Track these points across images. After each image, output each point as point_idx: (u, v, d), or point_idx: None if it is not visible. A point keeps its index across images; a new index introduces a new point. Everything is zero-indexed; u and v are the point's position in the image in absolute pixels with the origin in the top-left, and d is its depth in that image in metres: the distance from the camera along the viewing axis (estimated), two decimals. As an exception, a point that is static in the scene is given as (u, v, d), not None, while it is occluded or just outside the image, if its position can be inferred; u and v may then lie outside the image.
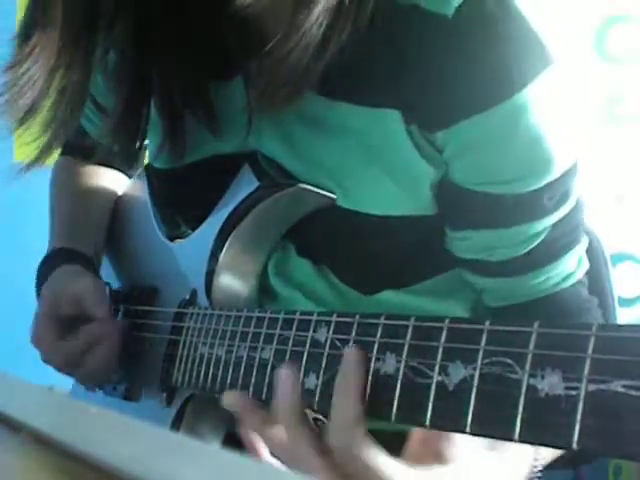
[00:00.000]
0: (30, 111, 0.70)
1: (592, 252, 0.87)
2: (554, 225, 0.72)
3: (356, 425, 0.52)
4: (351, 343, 0.56)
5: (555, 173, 0.69)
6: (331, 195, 0.73)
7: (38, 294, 0.89)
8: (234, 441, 0.80)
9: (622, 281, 2.07)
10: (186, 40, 0.75)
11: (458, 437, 0.56)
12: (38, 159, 0.75)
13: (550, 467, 0.68)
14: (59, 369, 0.85)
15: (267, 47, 0.65)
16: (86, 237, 0.96)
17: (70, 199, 1.01)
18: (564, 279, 0.75)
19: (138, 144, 0.82)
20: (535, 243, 0.72)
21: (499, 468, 0.60)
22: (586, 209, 0.76)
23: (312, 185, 0.74)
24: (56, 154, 1.06)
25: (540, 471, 0.67)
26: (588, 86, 2.16)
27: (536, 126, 0.67)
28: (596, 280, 0.99)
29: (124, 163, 1.02)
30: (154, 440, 0.32)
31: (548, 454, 0.67)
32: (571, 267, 0.76)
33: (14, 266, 1.82)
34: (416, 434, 0.58)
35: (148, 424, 0.33)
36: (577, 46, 2.18)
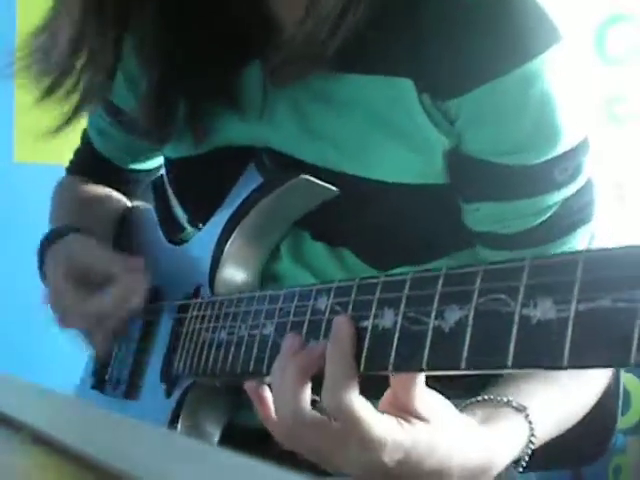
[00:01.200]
0: (56, 79, 0.72)
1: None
2: (566, 200, 0.73)
3: (348, 385, 0.54)
4: (350, 304, 0.57)
5: (565, 145, 0.71)
6: (333, 188, 0.74)
7: (41, 269, 0.88)
8: (234, 431, 0.80)
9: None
10: (206, 24, 0.76)
11: (427, 394, 0.57)
12: (60, 128, 0.76)
13: (550, 467, 0.68)
14: (83, 330, 0.84)
15: (285, 27, 0.66)
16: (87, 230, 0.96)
17: (71, 209, 1.01)
18: None
19: (168, 134, 0.83)
20: (546, 216, 0.73)
21: (490, 439, 0.61)
22: (598, 189, 0.76)
23: (322, 163, 0.75)
24: (63, 153, 1.06)
25: (541, 468, 0.68)
26: (588, 86, 2.16)
27: (547, 95, 0.69)
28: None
29: (153, 144, 1.02)
30: (154, 440, 0.32)
31: (544, 433, 0.67)
32: (582, 244, 0.76)
33: (14, 266, 1.83)
34: (387, 395, 0.58)
35: (148, 424, 0.33)
36: (577, 46, 2.18)
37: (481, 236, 0.77)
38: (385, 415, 0.56)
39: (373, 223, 0.77)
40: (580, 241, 0.76)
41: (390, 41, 0.71)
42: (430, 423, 0.57)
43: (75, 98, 0.74)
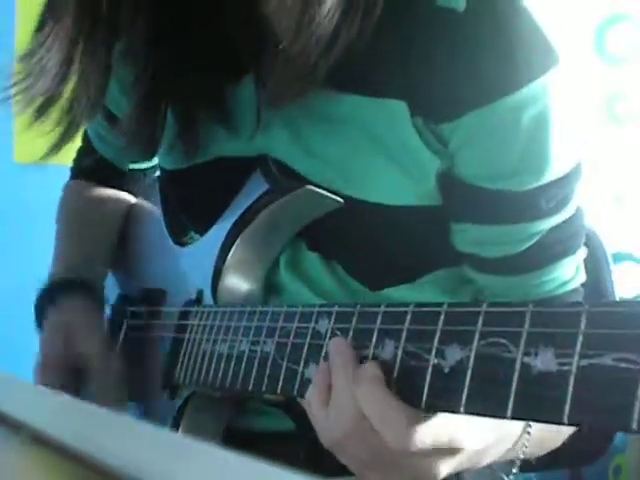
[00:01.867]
0: (47, 101, 0.71)
1: (593, 252, 0.87)
2: (551, 229, 0.72)
3: (408, 423, 0.53)
4: (351, 332, 0.57)
5: (554, 173, 0.70)
6: (338, 199, 0.73)
7: (39, 325, 0.90)
8: (233, 437, 0.80)
9: (622, 281, 2.07)
10: (198, 39, 0.76)
11: None
12: (56, 148, 0.75)
13: (550, 467, 0.68)
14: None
15: (278, 44, 0.65)
16: (88, 253, 0.97)
17: (77, 218, 1.02)
18: (560, 285, 0.76)
19: (156, 144, 0.82)
20: (531, 243, 0.72)
21: (481, 434, 0.60)
22: (586, 218, 0.75)
23: (319, 181, 0.74)
24: (63, 153, 1.06)
25: (539, 467, 0.68)
26: (588, 85, 2.16)
27: (540, 121, 0.67)
28: (597, 280, 0.99)
29: (140, 161, 1.02)
30: (154, 440, 0.32)
31: (538, 436, 0.67)
32: (568, 274, 0.76)
33: (14, 267, 1.83)
34: None
35: (148, 424, 0.33)
36: (577, 46, 2.18)
37: (465, 257, 0.77)
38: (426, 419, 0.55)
39: (364, 242, 0.77)
40: (567, 271, 0.75)
41: (384, 63, 0.70)
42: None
43: (70, 116, 0.73)
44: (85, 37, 0.69)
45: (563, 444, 0.74)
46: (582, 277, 0.78)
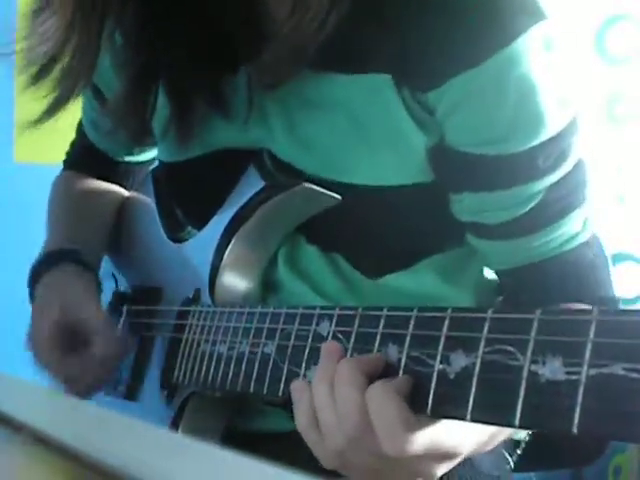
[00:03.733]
0: (49, 62, 0.72)
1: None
2: (552, 186, 0.71)
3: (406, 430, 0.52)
4: (353, 335, 0.56)
5: (549, 132, 0.69)
6: (335, 195, 0.73)
7: (31, 296, 0.88)
8: (233, 437, 0.80)
9: (622, 281, 2.07)
10: (191, 26, 0.76)
11: None
12: (44, 116, 0.76)
13: (550, 467, 0.68)
14: (60, 383, 0.84)
15: (272, 23, 0.65)
16: (80, 235, 0.95)
17: (69, 204, 1.01)
18: (567, 240, 0.74)
19: (145, 127, 0.82)
20: (532, 204, 0.71)
21: (478, 437, 0.60)
22: (589, 169, 0.74)
23: (312, 170, 0.74)
24: (56, 149, 1.06)
25: (541, 466, 0.68)
26: (588, 86, 2.16)
27: (527, 80, 0.67)
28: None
29: (130, 146, 1.00)
30: (154, 440, 0.32)
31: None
32: (575, 228, 0.74)
33: (14, 267, 1.82)
34: None
35: (148, 424, 0.33)
36: (577, 46, 2.18)
37: (467, 225, 0.76)
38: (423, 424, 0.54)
39: (362, 228, 0.76)
40: (573, 226, 0.74)
41: (367, 38, 0.70)
42: None
43: (64, 83, 0.74)
44: (88, 6, 0.70)
45: (563, 444, 0.73)
46: (591, 228, 0.76)
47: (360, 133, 0.73)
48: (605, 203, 2.14)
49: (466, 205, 0.74)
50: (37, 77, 0.73)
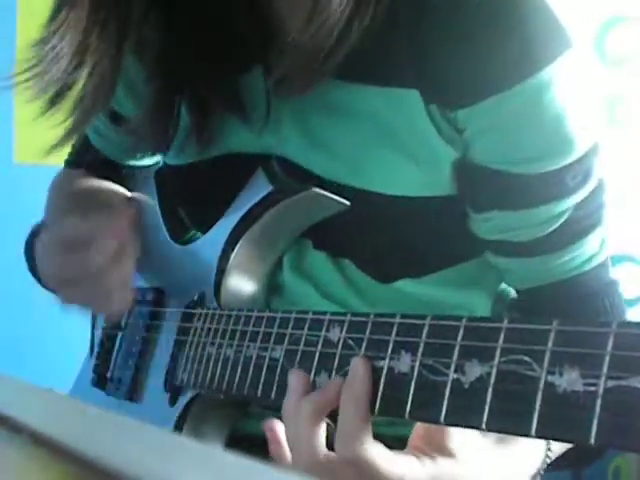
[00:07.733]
0: (59, 91, 0.71)
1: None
2: (577, 205, 0.72)
3: (362, 432, 0.53)
4: (364, 342, 0.56)
5: (577, 152, 0.70)
6: (344, 201, 0.73)
7: (29, 263, 0.87)
8: (237, 442, 0.80)
9: (622, 282, 2.06)
10: (206, 29, 0.76)
11: (459, 430, 0.56)
12: (64, 140, 0.75)
13: (549, 468, 0.68)
14: (87, 303, 0.81)
15: (288, 35, 0.65)
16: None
17: (71, 197, 1.00)
18: (586, 261, 0.75)
19: (168, 141, 0.82)
20: (558, 223, 0.72)
21: (506, 461, 0.61)
22: (607, 192, 0.75)
23: (325, 174, 0.74)
24: (63, 152, 1.06)
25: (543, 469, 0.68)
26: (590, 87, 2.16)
27: (558, 105, 0.68)
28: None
29: (142, 158, 0.99)
30: (154, 441, 0.32)
31: (559, 447, 0.67)
32: (594, 248, 0.75)
33: (14, 267, 1.82)
34: (418, 429, 0.58)
35: (148, 424, 0.33)
36: (577, 47, 2.18)
37: (492, 244, 0.76)
38: (402, 455, 0.56)
39: (376, 235, 0.76)
40: (591, 246, 0.75)
41: (396, 52, 0.70)
42: (456, 458, 0.57)
43: (79, 110, 0.73)
44: (99, 28, 0.69)
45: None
46: (607, 249, 0.77)
47: (383, 141, 0.72)
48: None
49: (493, 224, 0.74)
50: (53, 102, 0.72)
